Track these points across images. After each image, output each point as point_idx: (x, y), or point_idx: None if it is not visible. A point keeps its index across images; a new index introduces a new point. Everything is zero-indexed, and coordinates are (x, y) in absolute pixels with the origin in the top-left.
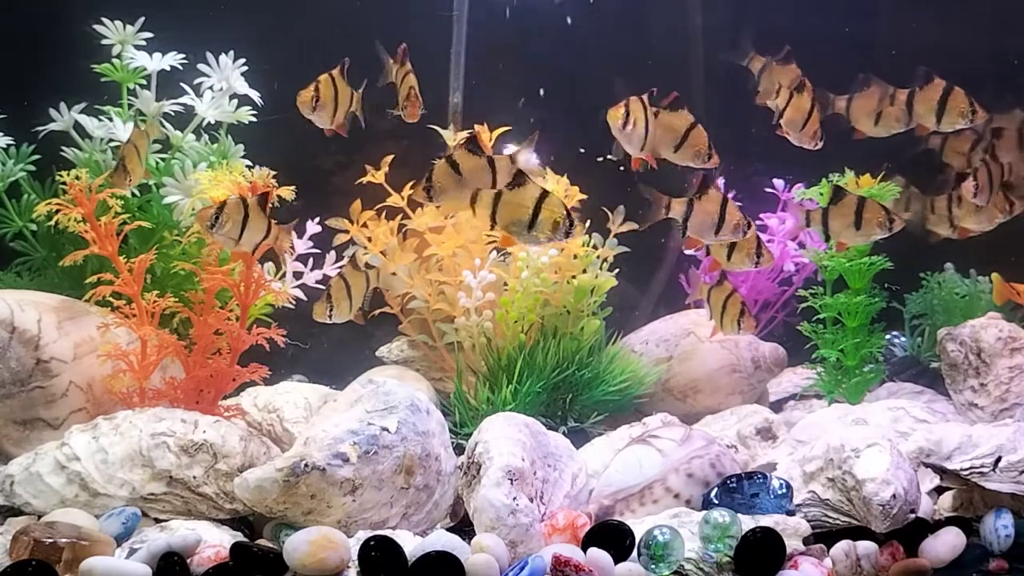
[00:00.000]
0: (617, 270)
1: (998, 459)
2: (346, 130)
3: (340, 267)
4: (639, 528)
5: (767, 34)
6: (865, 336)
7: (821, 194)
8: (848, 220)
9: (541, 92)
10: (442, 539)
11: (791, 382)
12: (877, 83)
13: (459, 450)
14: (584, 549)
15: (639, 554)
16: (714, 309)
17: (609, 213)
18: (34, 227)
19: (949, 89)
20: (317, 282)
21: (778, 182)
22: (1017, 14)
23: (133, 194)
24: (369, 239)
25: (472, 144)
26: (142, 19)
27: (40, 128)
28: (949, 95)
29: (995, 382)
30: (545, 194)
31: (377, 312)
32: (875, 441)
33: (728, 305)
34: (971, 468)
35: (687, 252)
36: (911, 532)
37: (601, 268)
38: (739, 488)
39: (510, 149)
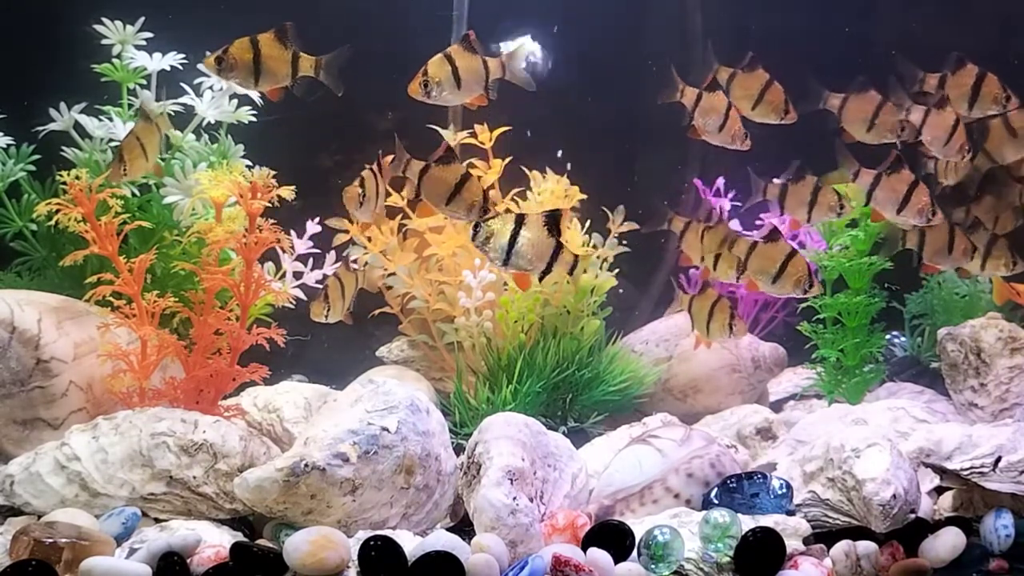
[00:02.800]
0: (617, 270)
1: (998, 459)
2: (279, 95)
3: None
4: (639, 528)
5: (765, 35)
6: (865, 336)
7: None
8: (804, 199)
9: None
10: (442, 539)
11: (791, 382)
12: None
13: (459, 450)
14: (584, 549)
15: (639, 554)
16: (697, 318)
17: (609, 213)
18: (34, 227)
19: (982, 75)
20: (317, 282)
21: (778, 181)
22: (1017, 14)
23: (133, 194)
24: (369, 239)
25: (447, 154)
26: (142, 19)
27: (40, 128)
28: (983, 81)
29: (995, 382)
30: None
31: (377, 312)
32: (875, 441)
33: (716, 312)
34: (971, 468)
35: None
36: (911, 532)
37: (601, 268)
38: (739, 488)
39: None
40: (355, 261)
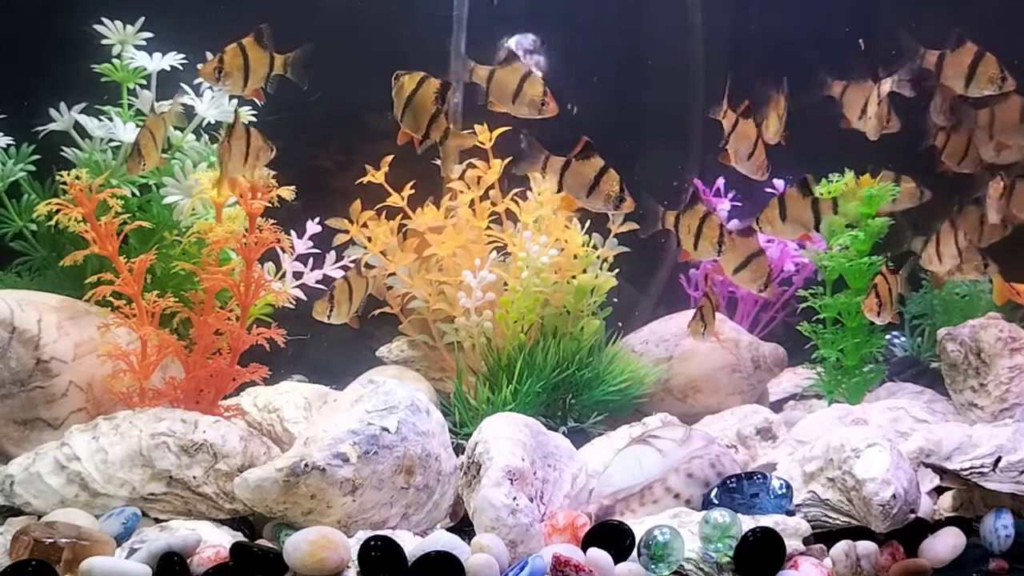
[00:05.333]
0: (617, 270)
1: (998, 459)
2: (263, 95)
3: (343, 267)
4: (639, 528)
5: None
6: (865, 336)
7: (821, 194)
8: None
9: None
10: (442, 539)
11: (791, 382)
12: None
13: (459, 450)
14: (584, 549)
15: (639, 554)
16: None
17: (609, 213)
18: (34, 227)
19: (981, 54)
20: (317, 282)
21: (778, 182)
22: (1016, 14)
23: (133, 194)
24: (369, 239)
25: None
26: (142, 19)
27: (40, 128)
28: (980, 60)
29: (995, 382)
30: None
31: (377, 312)
32: (875, 441)
33: (704, 228)
34: (971, 468)
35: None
36: (911, 532)
37: (601, 268)
38: (739, 488)
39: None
40: (367, 266)
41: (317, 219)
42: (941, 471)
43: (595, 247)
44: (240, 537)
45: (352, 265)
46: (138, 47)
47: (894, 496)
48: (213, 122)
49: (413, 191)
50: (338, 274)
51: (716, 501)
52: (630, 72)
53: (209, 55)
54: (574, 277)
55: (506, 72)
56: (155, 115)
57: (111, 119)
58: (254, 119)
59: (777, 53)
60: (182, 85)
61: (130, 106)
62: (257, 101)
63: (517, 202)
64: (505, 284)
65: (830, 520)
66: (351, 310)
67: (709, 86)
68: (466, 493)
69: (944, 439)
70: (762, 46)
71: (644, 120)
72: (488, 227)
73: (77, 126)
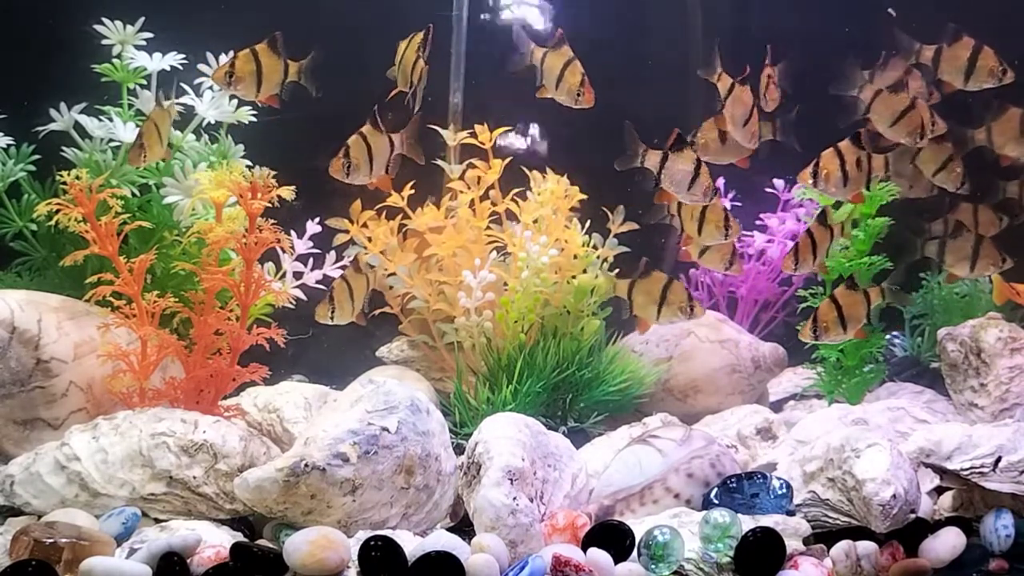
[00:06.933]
0: (617, 270)
1: (998, 459)
2: (278, 101)
3: (342, 267)
4: (639, 528)
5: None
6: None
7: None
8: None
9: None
10: (442, 539)
11: (791, 382)
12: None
13: (459, 450)
14: (584, 549)
15: (639, 554)
16: (642, 303)
17: (609, 213)
18: (34, 227)
19: (979, 47)
20: (317, 282)
21: (778, 182)
22: (1017, 14)
23: (133, 194)
24: (369, 239)
25: None
26: (142, 19)
27: (40, 128)
28: (979, 53)
29: (995, 382)
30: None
31: (377, 312)
32: (875, 441)
33: (669, 294)
34: (971, 468)
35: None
36: (911, 532)
37: (601, 268)
38: (739, 488)
39: None
40: (368, 265)
41: (317, 219)
42: (941, 471)
43: (595, 247)
44: (240, 537)
45: (350, 265)
46: (138, 47)
47: (894, 496)
48: (213, 122)
49: (413, 191)
50: (338, 274)
51: (716, 501)
52: (629, 71)
53: (210, 55)
54: (574, 277)
55: (554, 57)
56: (160, 107)
57: (111, 119)
58: (254, 119)
59: (778, 51)
60: (181, 85)
61: (130, 106)
62: (258, 102)
63: (517, 202)
64: (505, 284)
65: (830, 520)
66: (354, 309)
67: (709, 86)
68: (466, 493)
69: (944, 439)
70: (762, 45)
71: (644, 120)
72: (488, 227)
73: (77, 126)
